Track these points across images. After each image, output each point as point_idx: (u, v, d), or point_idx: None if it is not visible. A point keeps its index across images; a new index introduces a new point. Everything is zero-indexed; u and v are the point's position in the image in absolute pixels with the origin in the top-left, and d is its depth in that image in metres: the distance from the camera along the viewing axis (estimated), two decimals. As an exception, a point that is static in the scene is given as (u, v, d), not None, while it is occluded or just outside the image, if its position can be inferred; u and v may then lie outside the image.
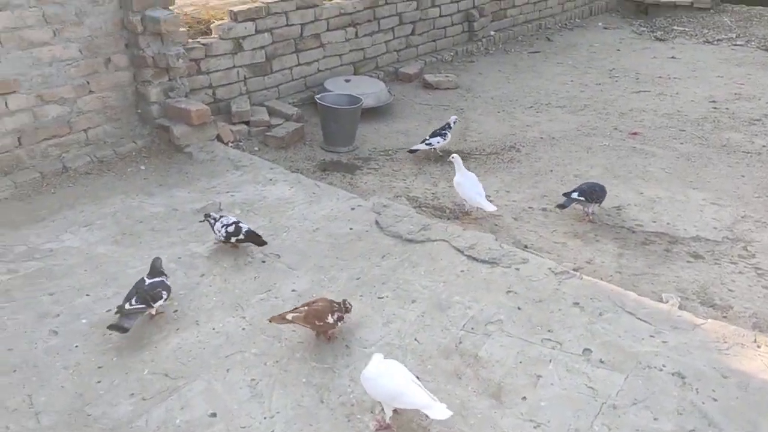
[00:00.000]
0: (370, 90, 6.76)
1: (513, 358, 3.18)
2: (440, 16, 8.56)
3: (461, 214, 4.83)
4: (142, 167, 5.26)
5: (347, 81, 6.91)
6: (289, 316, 3.22)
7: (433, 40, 8.58)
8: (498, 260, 3.90)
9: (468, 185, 4.72)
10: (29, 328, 3.45)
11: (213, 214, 4.11)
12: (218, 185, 4.96)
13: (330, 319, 3.25)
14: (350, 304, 3.38)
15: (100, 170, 5.19)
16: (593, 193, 4.70)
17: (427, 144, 5.73)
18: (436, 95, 7.41)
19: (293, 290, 3.73)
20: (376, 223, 4.37)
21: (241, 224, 4.02)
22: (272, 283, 3.80)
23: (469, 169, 5.54)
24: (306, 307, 3.26)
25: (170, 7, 5.45)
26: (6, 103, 4.82)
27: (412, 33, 8.24)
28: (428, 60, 8.38)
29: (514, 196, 5.16)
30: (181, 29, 5.62)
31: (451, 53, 8.68)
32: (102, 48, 5.26)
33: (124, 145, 5.46)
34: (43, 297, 3.70)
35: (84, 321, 3.50)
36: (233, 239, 4.01)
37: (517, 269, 3.82)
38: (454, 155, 4.90)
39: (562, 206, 4.71)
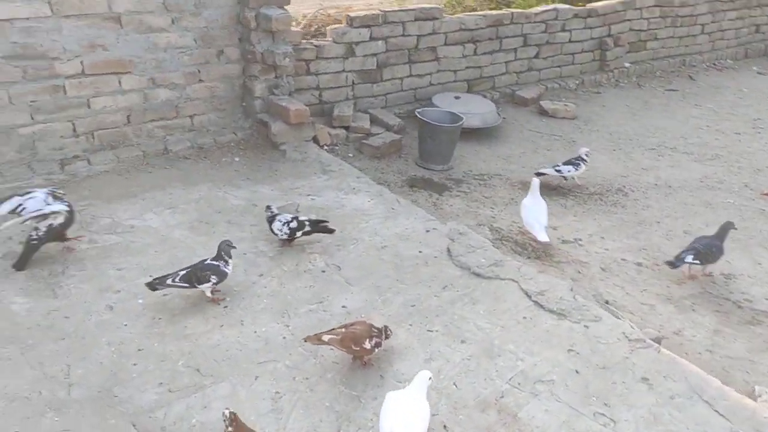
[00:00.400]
0: (478, 110, 6.52)
1: (556, 427, 2.84)
2: (570, 41, 8.12)
3: (543, 253, 4.50)
4: (236, 159, 5.36)
5: (457, 98, 6.71)
6: (326, 338, 3.09)
7: (559, 66, 8.15)
8: (567, 312, 3.55)
9: (532, 209, 4.54)
10: (89, 299, 3.57)
11: (273, 209, 4.10)
12: (302, 187, 4.95)
13: (367, 345, 3.08)
14: (391, 331, 3.20)
15: (198, 156, 5.35)
16: (710, 254, 4.22)
17: (557, 170, 5.44)
18: (549, 123, 7.02)
19: (344, 306, 3.60)
20: (448, 250, 4.14)
21: (300, 218, 3.99)
22: (325, 296, 3.69)
23: (565, 207, 5.20)
24: (344, 329, 3.12)
25: (285, 7, 5.53)
26: (120, 82, 5.08)
27: (536, 56, 7.87)
28: (550, 86, 7.97)
29: (608, 243, 4.73)
30: (293, 29, 5.69)
31: (577, 81, 8.21)
32: (216, 40, 5.43)
33: (224, 135, 5.61)
34: (110, 271, 3.82)
35: (140, 301, 3.58)
36: (299, 233, 3.98)
37: (586, 327, 3.45)
38: (536, 178, 4.61)
39: (672, 264, 4.24)
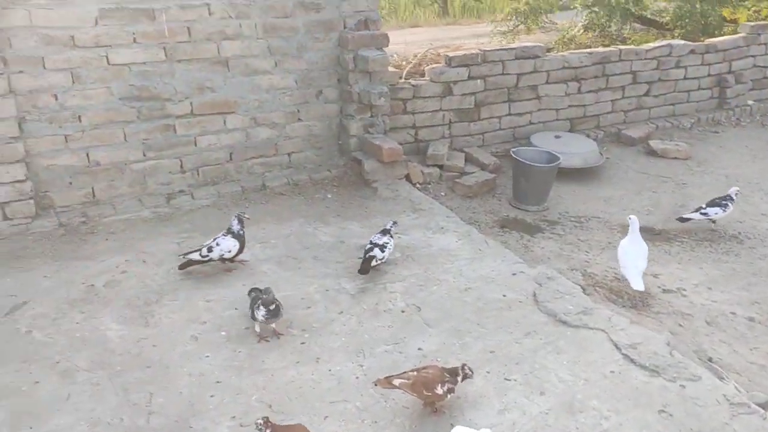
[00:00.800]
0: (578, 149, 6.28)
1: (638, 497, 2.59)
2: (685, 78, 7.70)
3: (640, 302, 4.19)
4: (329, 195, 5.47)
5: (557, 137, 6.51)
6: (396, 382, 3.02)
7: (672, 104, 7.74)
8: (661, 369, 3.26)
9: (629, 252, 4.25)
10: (177, 329, 3.72)
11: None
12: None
13: (439, 390, 2.98)
14: (470, 370, 3.07)
15: (293, 192, 5.52)
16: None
17: (702, 213, 5.14)
18: (658, 164, 6.63)
19: (420, 348, 3.52)
20: (534, 295, 3.96)
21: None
22: (402, 336, 3.63)
23: (669, 253, 4.86)
24: (415, 373, 3.04)
25: (383, 48, 5.64)
26: (225, 122, 5.37)
27: (646, 94, 7.52)
28: (660, 125, 7.55)
29: (715, 295, 4.33)
30: (390, 69, 5.79)
31: (692, 120, 7.74)
32: (315, 81, 5.63)
33: (319, 172, 5.76)
34: (200, 302, 3.98)
35: (223, 333, 3.68)
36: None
37: (683, 386, 3.14)
38: (633, 216, 4.32)
39: None
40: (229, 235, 4.24)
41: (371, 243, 4.27)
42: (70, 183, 4.93)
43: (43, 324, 3.71)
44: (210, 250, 4.17)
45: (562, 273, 4.37)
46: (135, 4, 4.78)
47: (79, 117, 4.83)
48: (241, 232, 4.27)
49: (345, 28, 5.60)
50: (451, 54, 6.42)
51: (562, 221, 5.43)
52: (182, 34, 4.99)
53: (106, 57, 4.80)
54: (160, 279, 4.20)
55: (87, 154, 4.94)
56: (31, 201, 4.74)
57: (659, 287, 4.41)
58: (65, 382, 3.26)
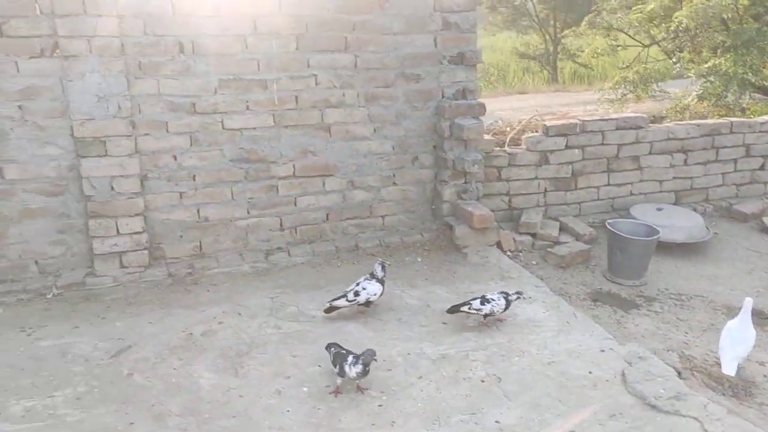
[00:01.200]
0: (682, 223, 6.03)
1: None
2: (807, 151, 7.24)
3: (743, 391, 3.89)
4: (419, 259, 5.56)
5: (659, 209, 6.28)
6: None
7: (790, 179, 7.28)
8: (759, 468, 3.01)
9: (733, 334, 3.98)
10: (263, 382, 3.87)
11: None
12: (477, 291, 4.91)
13: (512, 468, 2.92)
14: None
15: (384, 254, 5.65)
16: None
17: None
18: (772, 242, 6.22)
19: (497, 421, 3.46)
20: (622, 374, 3.80)
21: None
22: (480, 407, 3.58)
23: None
24: (488, 446, 2.99)
25: (479, 117, 5.77)
26: (323, 184, 5.65)
27: (762, 167, 7.13)
28: (777, 200, 7.12)
29: (833, 389, 3.95)
30: (486, 137, 5.89)
31: (813, 196, 7.22)
32: (412, 147, 5.82)
33: (411, 235, 5.88)
34: (287, 357, 4.13)
35: (305, 389, 3.80)
36: None
37: (783, 489, 2.88)
38: (749, 298, 4.07)
39: None
40: (374, 280, 4.61)
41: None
42: (181, 236, 5.33)
43: (144, 368, 3.99)
44: (357, 294, 4.54)
45: (656, 353, 4.17)
46: (250, 76, 5.22)
47: (194, 176, 5.26)
48: (383, 277, 4.62)
49: (443, 97, 5.79)
50: (548, 123, 6.44)
51: (660, 298, 5.18)
52: (290, 102, 5.37)
53: (222, 122, 5.24)
54: (252, 332, 4.41)
55: (198, 210, 5.35)
56: (146, 252, 5.18)
57: (765, 376, 4.09)
58: (157, 425, 3.47)
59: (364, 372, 3.64)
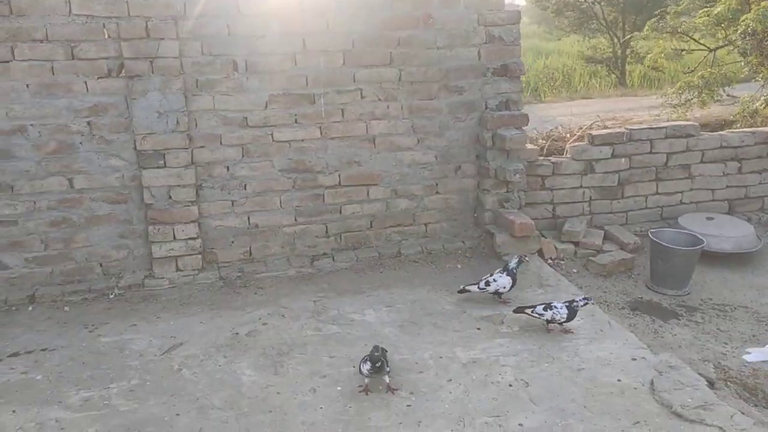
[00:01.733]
0: (732, 233, 5.90)
1: None
2: None
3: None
4: (459, 266, 5.69)
5: (709, 219, 6.17)
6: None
7: None
8: (781, 479, 2.99)
9: None
10: (300, 380, 4.09)
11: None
12: (515, 298, 5.02)
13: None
14: None
15: (426, 261, 5.81)
16: None
17: None
18: (830, 253, 6.00)
19: (520, 424, 3.55)
20: (651, 383, 3.82)
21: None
22: (505, 410, 3.68)
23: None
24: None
25: (522, 128, 5.85)
26: (368, 193, 5.87)
27: (822, 176, 6.87)
28: (840, 209, 6.83)
29: None
30: (528, 147, 5.96)
31: None
32: (455, 157, 5.96)
33: (453, 242, 6.01)
34: (324, 357, 4.35)
35: (339, 388, 3.99)
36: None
37: (802, 501, 2.86)
38: None
39: None
40: (504, 273, 4.89)
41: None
42: (232, 242, 5.66)
43: (192, 364, 4.30)
44: (487, 284, 4.88)
45: (691, 363, 4.15)
46: (299, 90, 5.50)
47: (245, 185, 5.58)
48: (515, 270, 4.88)
49: (486, 108, 5.91)
50: (594, 133, 6.44)
51: (702, 308, 5.12)
52: (336, 114, 5.62)
53: (272, 135, 5.54)
54: (294, 333, 4.66)
55: (248, 218, 5.66)
56: (199, 256, 5.53)
57: (806, 389, 4.01)
58: (200, 417, 3.75)
59: (374, 369, 3.82)
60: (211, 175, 5.49)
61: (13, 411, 3.81)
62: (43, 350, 4.50)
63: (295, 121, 5.57)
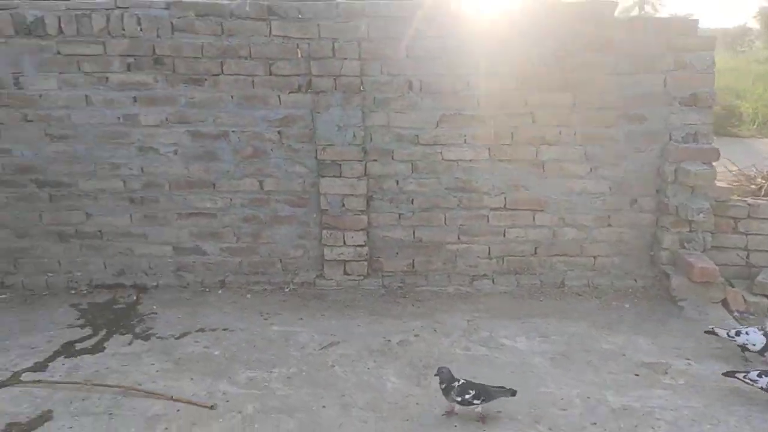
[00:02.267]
0: None
1: None
2: None
3: None
4: (626, 305, 5.35)
5: None
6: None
7: None
8: None
9: None
10: (440, 396, 4.10)
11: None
12: (687, 349, 4.60)
13: None
14: None
15: (590, 295, 5.56)
16: None
17: None
18: None
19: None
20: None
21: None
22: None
23: None
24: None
25: (711, 163, 5.37)
26: (533, 218, 5.76)
27: None
28: None
29: None
30: (719, 184, 5.44)
31: None
32: (631, 189, 5.64)
33: (623, 280, 5.68)
34: (467, 377, 4.34)
35: (478, 410, 3.98)
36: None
37: None
38: None
39: None
40: (761, 332, 4.39)
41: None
42: (397, 253, 5.88)
43: (345, 363, 4.54)
44: (737, 333, 4.46)
45: None
46: (470, 111, 5.58)
47: (412, 200, 5.78)
48: None
49: (670, 139, 5.52)
50: (802, 174, 5.71)
51: None
52: (506, 137, 5.61)
53: (441, 153, 5.67)
54: (443, 349, 4.71)
55: (413, 231, 5.85)
56: (365, 263, 5.82)
57: None
58: (343, 412, 3.96)
59: (441, 389, 3.85)
60: (381, 188, 5.77)
61: (191, 378, 4.33)
62: (224, 330, 5.05)
63: (465, 141, 5.65)
